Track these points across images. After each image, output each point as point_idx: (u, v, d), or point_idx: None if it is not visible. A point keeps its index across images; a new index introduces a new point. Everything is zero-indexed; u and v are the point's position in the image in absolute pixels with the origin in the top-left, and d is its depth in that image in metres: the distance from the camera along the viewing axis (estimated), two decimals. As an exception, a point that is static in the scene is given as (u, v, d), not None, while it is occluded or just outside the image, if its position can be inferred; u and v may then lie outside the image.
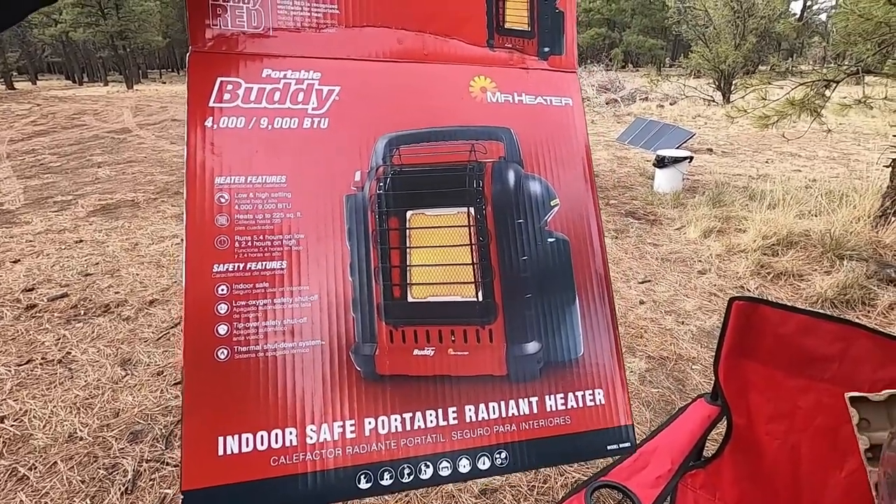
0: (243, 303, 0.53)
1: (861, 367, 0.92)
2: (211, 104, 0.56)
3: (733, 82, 13.13)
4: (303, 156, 0.58)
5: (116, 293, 2.88)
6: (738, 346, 1.02)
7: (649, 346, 2.39)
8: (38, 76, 38.52)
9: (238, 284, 0.53)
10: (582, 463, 1.62)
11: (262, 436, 0.51)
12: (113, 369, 2.17)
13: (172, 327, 2.52)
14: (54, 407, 1.93)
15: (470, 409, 0.57)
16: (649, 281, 3.10)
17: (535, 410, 0.59)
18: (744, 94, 4.34)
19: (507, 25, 0.67)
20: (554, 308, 0.62)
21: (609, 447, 0.61)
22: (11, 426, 1.82)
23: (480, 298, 0.60)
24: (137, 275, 3.12)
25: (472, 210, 0.61)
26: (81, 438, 1.76)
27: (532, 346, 0.60)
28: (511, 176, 0.63)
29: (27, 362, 2.22)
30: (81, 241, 3.71)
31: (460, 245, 0.60)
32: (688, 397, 2.00)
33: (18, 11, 0.41)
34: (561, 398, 0.60)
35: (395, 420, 0.55)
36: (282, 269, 0.55)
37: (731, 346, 1.03)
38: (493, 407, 0.58)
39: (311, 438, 0.52)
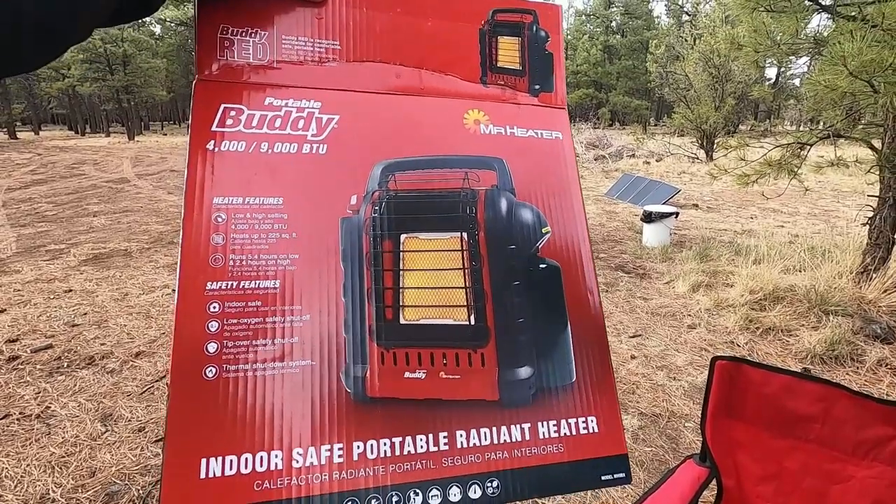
0: (234, 321, 0.53)
1: (844, 427, 0.93)
2: (213, 128, 0.58)
3: (715, 141, 13.72)
4: (300, 179, 0.59)
5: (102, 344, 2.84)
6: (723, 405, 1.03)
7: (641, 402, 2.37)
8: (42, 126, 39.39)
9: (230, 302, 0.53)
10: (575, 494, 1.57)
11: (246, 458, 0.50)
12: (93, 425, 2.10)
13: (157, 381, 2.47)
14: (28, 465, 1.85)
15: (461, 435, 0.56)
16: (640, 335, 3.11)
17: (528, 437, 0.58)
18: (725, 153, 4.54)
19: (499, 64, 0.71)
20: (546, 333, 0.62)
21: (603, 477, 0.60)
22: (-19, 486, 1.74)
23: (472, 322, 0.60)
24: (125, 325, 3.09)
25: (465, 235, 0.62)
26: (54, 500, 1.69)
27: (524, 371, 0.59)
28: (503, 203, 0.64)
29: (4, 417, 2.15)
30: (71, 290, 3.68)
31: (453, 269, 0.61)
32: (681, 456, 1.97)
33: (51, 53, 0.41)
34: (554, 425, 0.59)
35: (385, 445, 0.53)
36: (275, 288, 0.55)
37: (717, 405, 1.03)
38: (485, 433, 0.57)
39: (297, 462, 0.51)
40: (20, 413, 2.18)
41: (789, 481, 0.97)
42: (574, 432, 0.60)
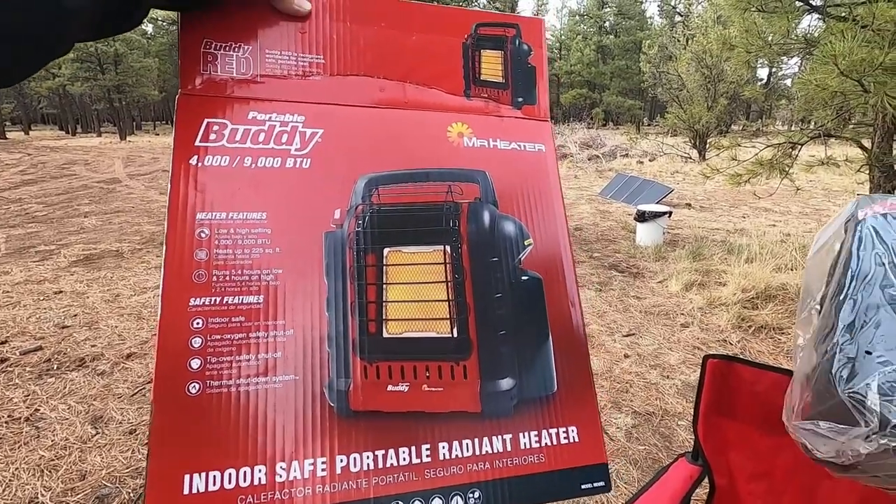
0: (218, 336, 0.53)
1: (834, 425, 0.93)
2: (197, 143, 0.57)
3: (707, 141, 13.81)
4: (284, 193, 0.59)
5: (93, 346, 2.81)
6: (715, 404, 1.04)
7: (635, 400, 2.38)
8: (32, 126, 38.99)
9: (214, 318, 0.53)
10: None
11: (230, 473, 0.50)
12: (83, 427, 2.08)
13: (149, 382, 2.44)
14: (16, 469, 1.83)
15: (443, 447, 0.56)
16: (634, 334, 3.12)
17: (509, 448, 0.58)
18: (717, 152, 4.57)
19: (483, 77, 0.72)
20: (528, 344, 0.62)
21: (583, 486, 0.61)
22: (-32, 491, 1.72)
23: (455, 335, 0.60)
24: (116, 327, 3.06)
25: (447, 248, 0.62)
26: (43, 504, 1.67)
27: (506, 383, 0.60)
28: (486, 216, 0.65)
29: (-8, 420, 2.12)
30: (61, 291, 3.64)
31: (436, 282, 0.61)
32: (674, 454, 1.97)
33: (33, 66, 0.42)
34: (535, 435, 0.60)
35: (368, 457, 0.54)
36: (258, 303, 0.55)
37: (709, 404, 1.04)
38: (467, 444, 0.57)
39: (281, 476, 0.51)
40: (8, 416, 2.15)
41: (781, 479, 0.97)
42: (555, 442, 0.60)
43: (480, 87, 0.71)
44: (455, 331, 0.60)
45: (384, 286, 0.60)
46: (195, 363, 0.51)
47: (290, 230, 0.58)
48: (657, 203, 6.41)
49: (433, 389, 0.58)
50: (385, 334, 0.58)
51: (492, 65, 0.72)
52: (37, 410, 2.20)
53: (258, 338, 0.54)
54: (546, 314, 0.64)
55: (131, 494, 1.72)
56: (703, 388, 1.02)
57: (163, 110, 55.62)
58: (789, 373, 0.98)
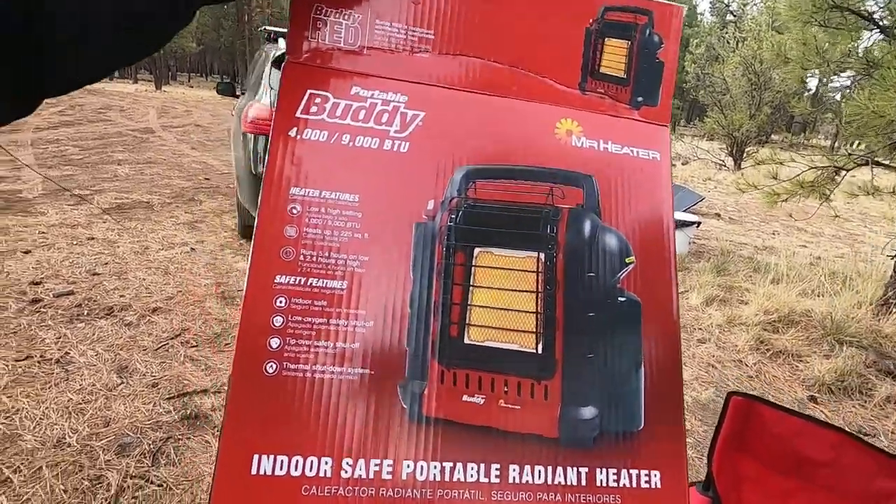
0: (299, 318, 0.52)
1: (853, 477, 0.93)
2: (298, 115, 0.56)
3: (746, 150, 13.40)
4: (378, 177, 0.57)
5: (121, 296, 2.91)
6: (733, 440, 1.04)
7: (643, 412, 2.38)
8: (71, 66, 39.44)
9: (297, 299, 0.52)
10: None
11: (297, 461, 0.49)
12: (109, 376, 2.17)
13: (173, 338, 2.53)
14: (46, 409, 1.93)
15: (514, 469, 0.53)
16: (648, 344, 3.11)
17: (584, 483, 0.54)
18: (754, 164, 4.44)
19: (602, 69, 0.65)
20: (617, 373, 0.57)
21: None
22: (2, 424, 1.82)
23: (540, 351, 0.56)
24: (144, 280, 3.15)
25: (542, 255, 0.58)
26: (69, 445, 1.76)
27: (589, 411, 0.55)
28: (587, 225, 0.59)
29: (25, 358, 2.23)
30: (93, 238, 3.76)
31: (525, 291, 0.57)
32: (678, 472, 1.98)
33: (162, 36, 0.44)
34: (614, 473, 0.55)
35: (435, 468, 0.51)
36: (342, 289, 0.53)
37: (727, 439, 1.04)
38: (539, 471, 0.53)
39: (346, 472, 0.50)
40: (41, 356, 2.26)
41: (791, 522, 0.98)
42: (634, 484, 0.56)
43: (597, 81, 0.65)
44: (540, 347, 0.56)
45: (471, 288, 0.57)
46: (274, 342, 0.51)
47: (381, 216, 0.56)
48: (685, 211, 6.28)
49: (510, 406, 0.55)
50: (466, 340, 0.56)
51: (615, 56, 0.65)
52: (67, 353, 2.31)
53: (338, 325, 0.53)
54: (641, 342, 0.59)
55: (151, 446, 1.80)
56: (724, 423, 1.03)
57: (198, 63, 55.91)
58: (814, 420, 0.98)
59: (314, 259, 0.53)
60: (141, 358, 2.33)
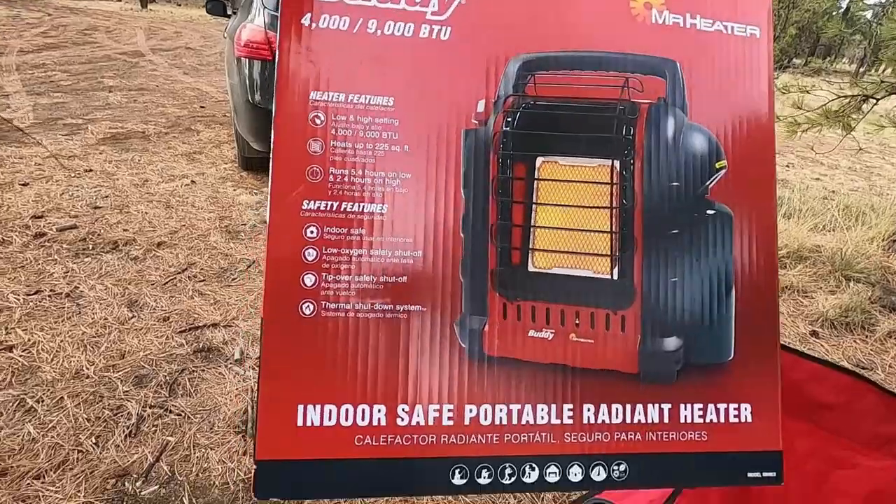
0: (335, 250, 0.46)
1: (863, 420, 0.94)
2: None
3: (766, 75, 12.75)
4: (416, 74, 0.48)
5: (125, 230, 2.89)
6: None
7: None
8: (50, -19, 37.08)
9: (330, 227, 0.46)
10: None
11: (346, 409, 0.45)
12: (119, 309, 2.20)
13: (180, 272, 2.54)
14: (62, 341, 1.97)
15: (589, 409, 0.49)
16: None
17: (667, 420, 0.50)
18: (777, 91, 4.22)
19: None
20: (704, 298, 0.51)
21: (750, 475, 0.53)
22: (20, 356, 1.87)
23: (616, 277, 0.50)
24: (146, 213, 3.12)
25: (617, 164, 0.50)
26: (88, 376, 1.81)
27: (672, 342, 0.50)
28: (671, 125, 0.51)
29: (36, 293, 2.25)
30: (91, 170, 3.68)
31: (598, 207, 0.50)
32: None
33: None
34: (699, 409, 0.51)
35: (501, 411, 0.47)
36: (382, 213, 0.46)
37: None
38: (617, 410, 0.49)
39: (402, 420, 0.46)
40: (51, 290, 2.28)
41: (793, 461, 1.00)
42: (722, 420, 0.52)
43: None
44: (615, 272, 0.50)
45: (534, 206, 0.49)
46: (309, 279, 0.45)
47: (422, 123, 0.47)
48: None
49: (582, 340, 0.49)
50: (531, 267, 0.49)
51: None
52: (76, 288, 2.32)
53: (381, 256, 0.46)
54: (732, 261, 0.52)
55: (167, 378, 1.85)
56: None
57: (185, -23, 52.14)
58: (829, 364, 0.97)
59: (346, 179, 0.46)
60: (150, 292, 2.35)
